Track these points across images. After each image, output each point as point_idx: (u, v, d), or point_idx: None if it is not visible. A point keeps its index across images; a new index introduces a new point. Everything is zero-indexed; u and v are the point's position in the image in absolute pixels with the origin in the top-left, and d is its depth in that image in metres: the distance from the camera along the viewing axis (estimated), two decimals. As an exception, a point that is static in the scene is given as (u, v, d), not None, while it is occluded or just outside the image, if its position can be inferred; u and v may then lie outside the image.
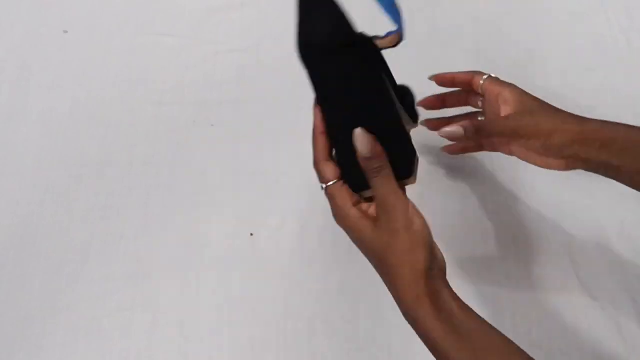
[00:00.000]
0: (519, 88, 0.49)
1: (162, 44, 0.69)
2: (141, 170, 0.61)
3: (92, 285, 0.55)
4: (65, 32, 0.70)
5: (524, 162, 0.60)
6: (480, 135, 0.47)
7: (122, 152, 0.62)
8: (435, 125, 0.55)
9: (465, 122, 0.46)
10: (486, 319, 0.53)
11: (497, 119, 0.48)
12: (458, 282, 0.54)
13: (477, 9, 0.71)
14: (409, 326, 0.39)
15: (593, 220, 0.57)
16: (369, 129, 0.38)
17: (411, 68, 0.67)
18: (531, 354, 0.38)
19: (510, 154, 0.49)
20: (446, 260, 0.55)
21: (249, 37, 0.69)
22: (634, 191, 0.58)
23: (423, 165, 0.60)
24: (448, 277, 0.55)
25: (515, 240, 0.56)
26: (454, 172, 0.60)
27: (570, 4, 0.70)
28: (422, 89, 0.55)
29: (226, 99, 0.60)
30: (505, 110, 0.47)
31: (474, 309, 0.53)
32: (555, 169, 0.47)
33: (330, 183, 0.42)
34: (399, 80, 0.44)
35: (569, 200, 0.58)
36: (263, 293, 0.54)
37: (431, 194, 0.59)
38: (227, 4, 0.71)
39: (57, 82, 0.67)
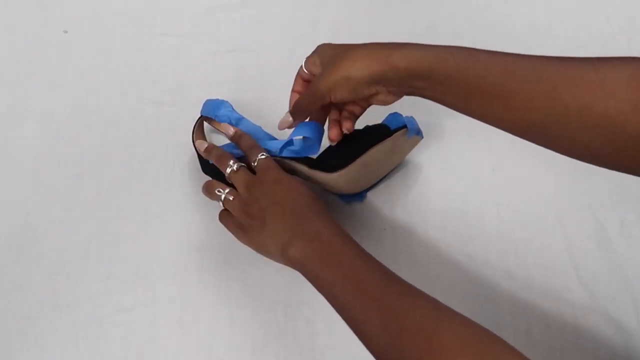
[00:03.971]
0: (325, 45, 0.49)
1: (162, 44, 0.69)
2: (141, 170, 0.61)
3: (92, 285, 0.55)
4: (65, 32, 0.70)
5: (525, 161, 0.60)
6: (323, 105, 0.48)
7: (122, 152, 0.62)
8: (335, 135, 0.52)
9: (291, 109, 0.51)
10: (486, 318, 0.53)
11: (311, 87, 0.48)
12: (458, 282, 0.55)
13: (477, 8, 0.71)
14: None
15: (593, 220, 0.57)
16: None
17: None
18: (531, 354, 0.38)
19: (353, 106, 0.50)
20: (446, 260, 0.56)
21: (249, 37, 0.69)
22: (634, 191, 0.58)
23: (423, 166, 0.61)
24: (448, 277, 0.55)
25: (515, 240, 0.56)
26: (454, 171, 0.60)
27: (570, 4, 0.70)
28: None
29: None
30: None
31: (473, 308, 0.53)
32: (384, 104, 0.47)
33: (265, 155, 0.50)
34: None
35: (569, 199, 0.58)
36: (263, 293, 0.54)
37: (430, 193, 0.59)
38: (227, 4, 0.71)
39: (57, 82, 0.67)
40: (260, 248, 0.47)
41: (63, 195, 0.60)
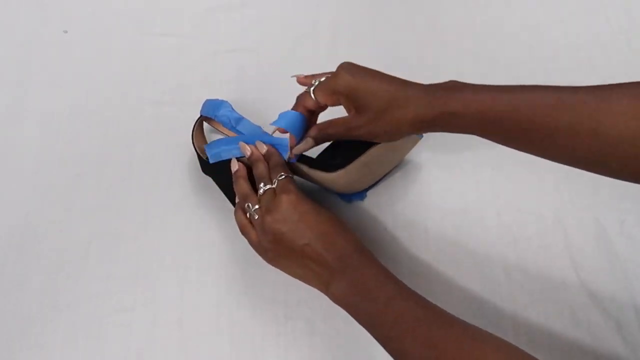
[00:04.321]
0: (343, 86, 0.46)
1: (162, 44, 0.69)
2: (141, 170, 0.61)
3: (93, 285, 0.55)
4: (65, 32, 0.70)
5: (525, 162, 0.60)
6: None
7: (122, 152, 0.62)
8: (303, 81, 0.53)
9: (314, 133, 0.50)
10: (486, 318, 0.53)
11: (347, 130, 0.48)
12: (458, 282, 0.55)
13: (477, 8, 0.71)
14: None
15: (593, 220, 0.57)
16: None
17: (411, 68, 0.67)
18: (531, 354, 0.38)
19: None
20: (446, 260, 0.56)
21: (249, 37, 0.69)
22: (634, 191, 0.58)
23: (423, 165, 0.61)
24: (448, 277, 0.55)
25: (516, 240, 0.56)
26: (454, 171, 0.60)
27: (570, 4, 0.70)
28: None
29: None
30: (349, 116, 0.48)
31: (473, 309, 0.53)
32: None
33: (284, 176, 0.48)
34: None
35: (568, 200, 0.58)
36: (263, 293, 0.54)
37: (430, 193, 0.59)
38: (227, 4, 0.71)
39: (57, 82, 0.67)
40: (293, 276, 0.48)
41: (63, 195, 0.60)
